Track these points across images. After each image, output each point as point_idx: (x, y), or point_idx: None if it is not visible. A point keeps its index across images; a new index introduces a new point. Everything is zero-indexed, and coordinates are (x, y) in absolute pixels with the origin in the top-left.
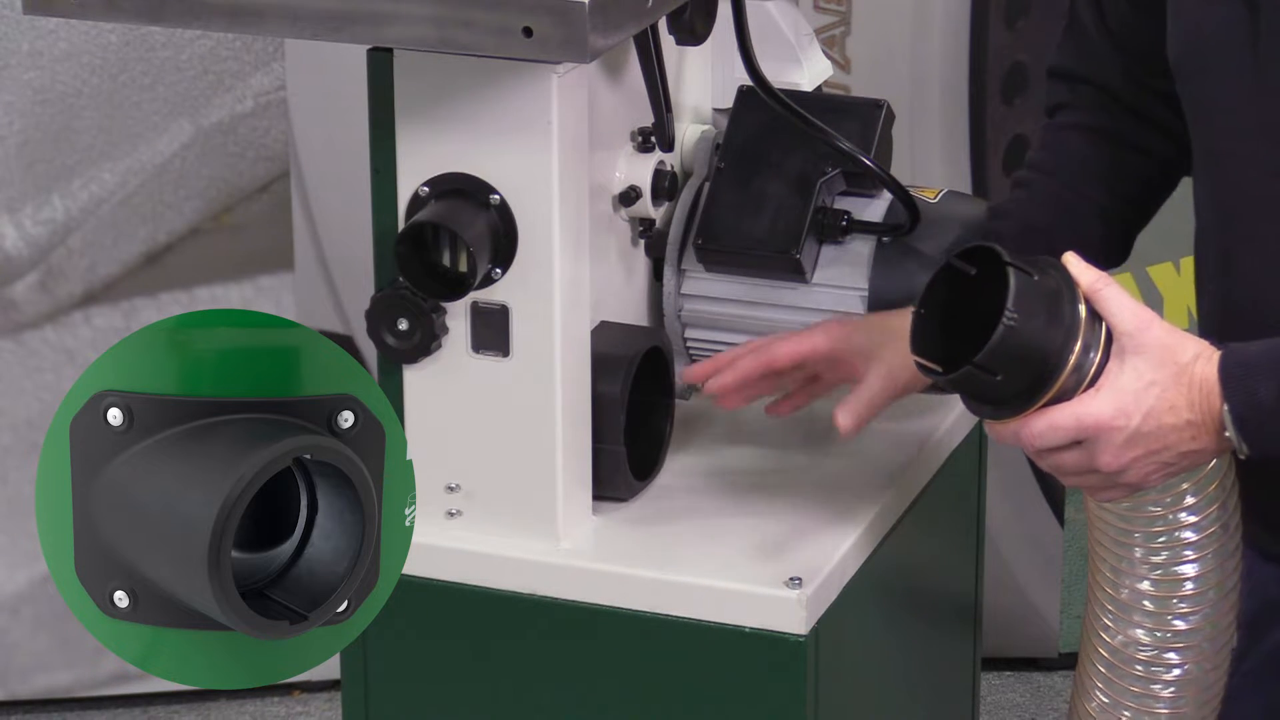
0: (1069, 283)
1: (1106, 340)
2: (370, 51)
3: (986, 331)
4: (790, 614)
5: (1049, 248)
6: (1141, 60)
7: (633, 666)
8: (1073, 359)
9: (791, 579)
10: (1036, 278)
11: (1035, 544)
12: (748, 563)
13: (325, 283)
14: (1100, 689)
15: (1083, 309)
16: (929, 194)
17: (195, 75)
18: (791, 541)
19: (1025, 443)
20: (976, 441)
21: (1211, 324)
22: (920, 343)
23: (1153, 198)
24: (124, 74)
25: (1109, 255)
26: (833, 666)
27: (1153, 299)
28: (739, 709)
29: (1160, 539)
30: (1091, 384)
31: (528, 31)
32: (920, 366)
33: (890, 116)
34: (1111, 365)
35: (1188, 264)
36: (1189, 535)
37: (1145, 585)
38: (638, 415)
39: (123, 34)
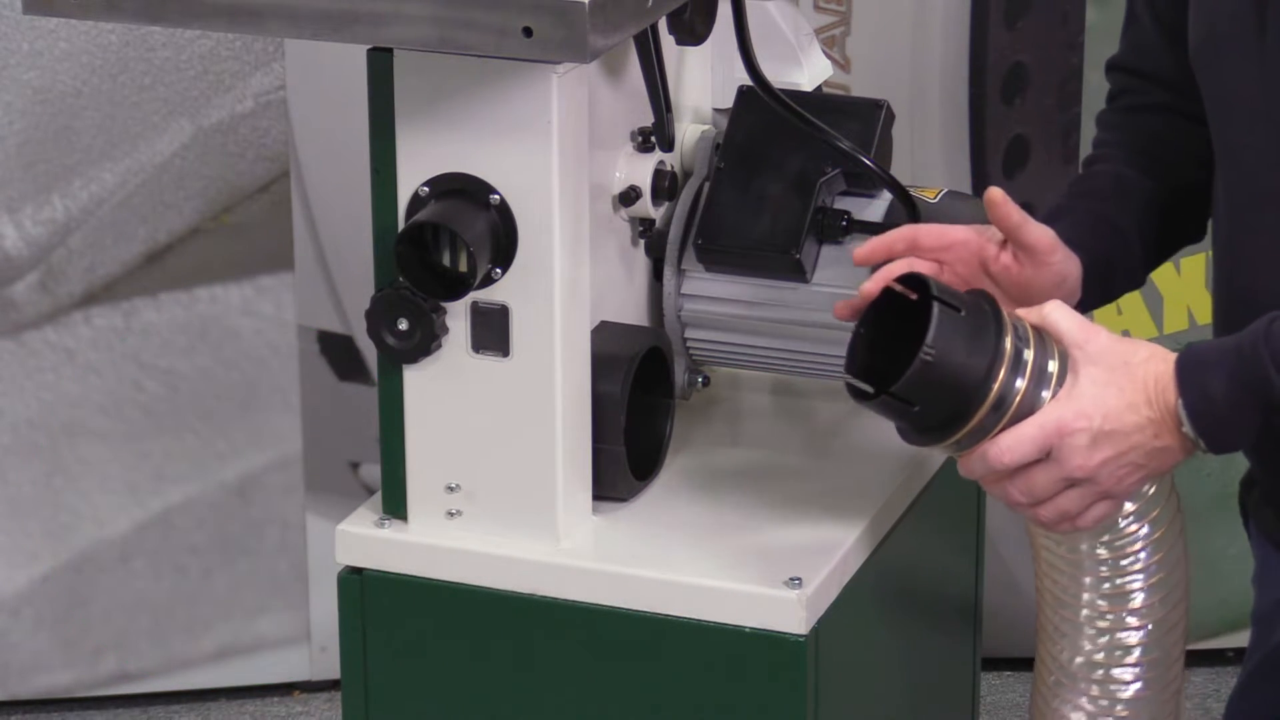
0: (997, 318)
1: (1036, 372)
2: (370, 51)
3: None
4: (790, 614)
5: (1143, 198)
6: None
7: (633, 666)
8: (992, 395)
9: (791, 579)
10: (962, 313)
11: None
12: (748, 562)
13: (325, 283)
14: (1058, 709)
15: (1008, 343)
16: (929, 194)
17: (195, 75)
18: (791, 541)
19: (993, 461)
20: None
21: (1219, 315)
22: (856, 363)
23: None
24: (124, 74)
25: (1189, 225)
26: (833, 666)
27: (1153, 299)
28: (739, 709)
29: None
30: (1019, 417)
31: (528, 31)
32: (849, 387)
33: (890, 116)
34: (1068, 379)
35: (1188, 264)
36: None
37: (1096, 599)
38: (638, 415)
39: (123, 34)
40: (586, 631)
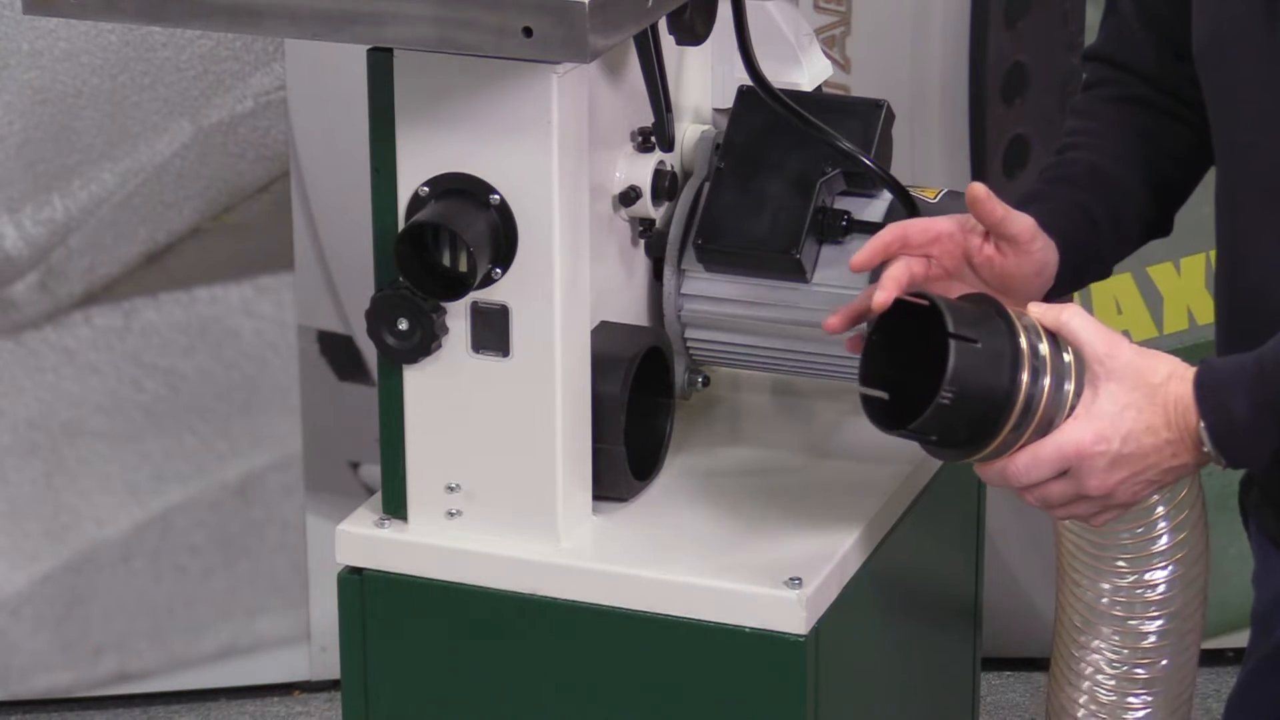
0: (1012, 334)
1: (1056, 378)
2: (370, 51)
3: (931, 370)
4: (790, 614)
5: (1119, 190)
6: (1175, 47)
7: (633, 666)
8: (1014, 416)
9: (791, 579)
10: (979, 345)
11: (1035, 544)
12: (748, 562)
13: (325, 283)
14: (1079, 701)
15: (1025, 349)
16: (929, 194)
17: (195, 75)
18: (791, 541)
19: (1011, 479)
20: None
21: (1222, 315)
22: (870, 371)
23: (1191, 171)
24: (124, 74)
25: (1158, 221)
26: (833, 666)
27: (1153, 299)
28: (739, 709)
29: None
30: (1044, 422)
31: (528, 31)
32: (863, 400)
33: (890, 116)
34: (1086, 393)
35: (1188, 264)
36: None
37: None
38: (638, 415)
39: (123, 34)
40: (586, 631)
